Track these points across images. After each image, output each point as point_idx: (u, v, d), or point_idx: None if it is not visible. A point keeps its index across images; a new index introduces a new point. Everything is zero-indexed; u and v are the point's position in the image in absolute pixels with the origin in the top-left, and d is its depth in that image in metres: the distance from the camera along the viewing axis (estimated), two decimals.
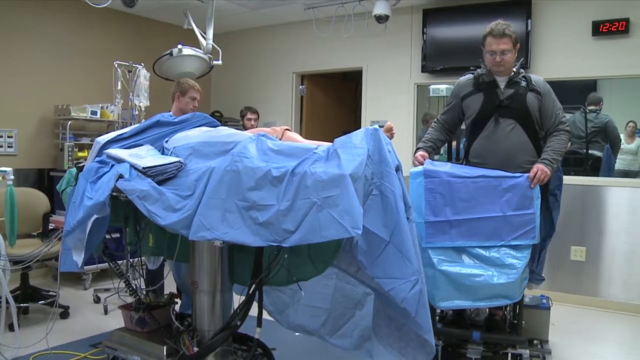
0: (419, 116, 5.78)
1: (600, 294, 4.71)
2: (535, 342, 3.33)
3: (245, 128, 5.04)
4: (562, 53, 4.82)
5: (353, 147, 2.09)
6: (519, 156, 3.01)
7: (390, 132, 2.37)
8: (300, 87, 6.61)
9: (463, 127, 3.33)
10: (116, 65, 5.06)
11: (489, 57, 3.01)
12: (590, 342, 3.85)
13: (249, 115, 5.26)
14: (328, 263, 2.35)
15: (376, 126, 2.17)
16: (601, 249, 4.71)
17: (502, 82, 3.05)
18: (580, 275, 4.76)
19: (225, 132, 2.54)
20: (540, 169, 2.87)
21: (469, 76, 3.18)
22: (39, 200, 4.42)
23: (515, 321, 3.17)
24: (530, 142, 3.03)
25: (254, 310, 2.33)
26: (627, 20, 4.54)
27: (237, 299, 2.48)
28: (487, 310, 3.15)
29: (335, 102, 7.16)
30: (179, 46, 4.07)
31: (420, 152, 3.15)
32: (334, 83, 7.15)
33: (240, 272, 2.63)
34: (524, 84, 3.02)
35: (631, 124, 5.61)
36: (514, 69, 3.05)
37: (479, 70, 3.11)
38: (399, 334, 2.30)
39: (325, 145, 2.26)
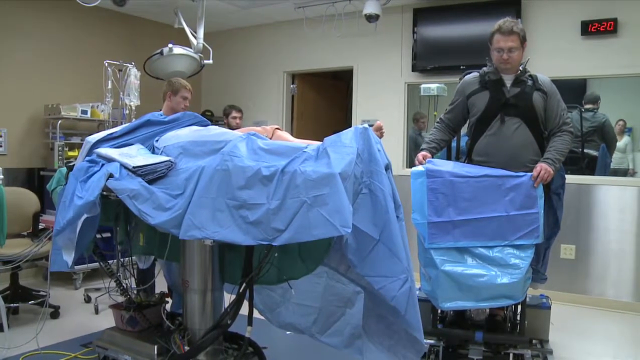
0: (409, 115, 5.80)
1: (590, 291, 4.75)
2: (534, 341, 3.30)
3: (229, 126, 5.02)
4: (551, 53, 4.85)
5: (342, 146, 2.11)
6: (523, 155, 2.99)
7: (379, 131, 2.38)
8: (291, 86, 6.61)
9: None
10: (106, 64, 5.05)
11: (496, 54, 2.97)
12: (587, 341, 3.86)
13: (234, 114, 5.23)
14: (318, 262, 2.36)
15: (366, 125, 2.19)
16: (590, 247, 4.75)
17: (508, 80, 3.01)
18: (570, 274, 4.79)
19: (215, 132, 2.54)
20: (544, 169, 2.84)
21: (474, 74, 3.14)
22: (29, 199, 4.40)
23: (517, 321, 3.15)
24: (535, 141, 3.01)
25: (244, 309, 2.34)
26: (615, 20, 4.58)
27: (228, 298, 2.49)
28: (488, 310, 3.13)
29: (326, 101, 7.16)
30: (170, 45, 4.06)
31: (422, 153, 3.09)
32: (325, 82, 7.16)
33: (230, 271, 2.64)
34: (530, 82, 2.99)
35: (620, 122, 5.66)
36: (521, 68, 3.01)
37: (485, 68, 3.07)
38: (389, 332, 2.31)
39: (315, 144, 2.27)
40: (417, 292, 2.92)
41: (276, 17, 6.30)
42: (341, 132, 2.20)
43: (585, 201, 4.77)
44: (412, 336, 2.19)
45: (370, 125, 2.25)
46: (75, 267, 3.08)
